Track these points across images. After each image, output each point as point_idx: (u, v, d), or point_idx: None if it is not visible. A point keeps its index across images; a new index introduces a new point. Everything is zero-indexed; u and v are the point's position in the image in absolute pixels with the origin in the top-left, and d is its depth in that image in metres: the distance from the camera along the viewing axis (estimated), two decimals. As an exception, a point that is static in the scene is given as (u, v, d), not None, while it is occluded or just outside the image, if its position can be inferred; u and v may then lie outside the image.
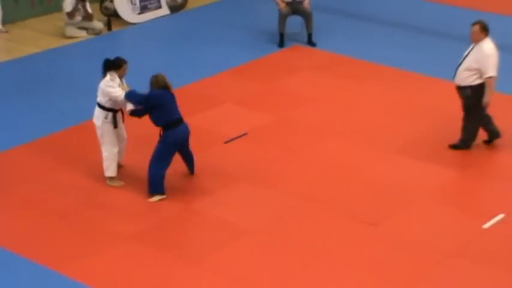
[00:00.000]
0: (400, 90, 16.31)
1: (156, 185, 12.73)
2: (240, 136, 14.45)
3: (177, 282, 11.00)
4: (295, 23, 18.82)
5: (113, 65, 12.88)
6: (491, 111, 14.02)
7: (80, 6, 18.80)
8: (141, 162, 13.07)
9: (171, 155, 12.75)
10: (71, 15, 18.80)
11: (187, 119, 14.25)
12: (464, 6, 20.55)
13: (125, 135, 13.29)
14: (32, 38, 18.91)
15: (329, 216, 12.40)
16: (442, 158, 13.95)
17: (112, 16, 19.84)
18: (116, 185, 13.13)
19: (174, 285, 10.94)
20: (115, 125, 12.93)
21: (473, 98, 13.75)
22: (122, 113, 13.04)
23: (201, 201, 12.77)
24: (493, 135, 14.20)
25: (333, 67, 17.57)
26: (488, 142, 14.27)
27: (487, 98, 13.70)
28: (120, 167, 13.35)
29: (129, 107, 12.70)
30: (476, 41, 13.78)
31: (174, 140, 12.68)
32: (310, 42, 18.68)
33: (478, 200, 12.91)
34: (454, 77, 13.98)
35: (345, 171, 13.57)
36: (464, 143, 14.15)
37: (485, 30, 13.75)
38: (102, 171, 13.30)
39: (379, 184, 13.22)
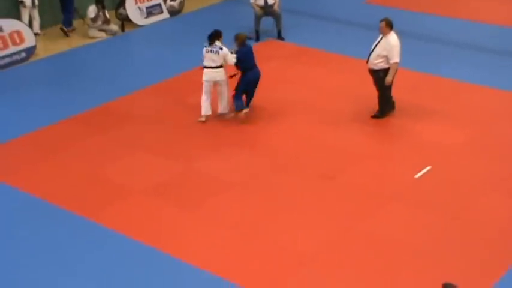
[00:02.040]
0: (348, 73, 16.24)
1: (238, 105, 14.12)
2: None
3: (180, 223, 11.06)
4: (267, 22, 18.73)
5: (219, 35, 14.05)
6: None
7: (100, 13, 18.72)
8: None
9: (245, 88, 14.16)
10: (93, 20, 18.72)
11: (186, 99, 14.39)
12: (398, 7, 20.60)
13: None
14: (63, 39, 18.77)
15: (296, 172, 12.42)
16: (379, 125, 13.97)
17: (125, 20, 19.69)
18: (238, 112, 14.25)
19: (178, 226, 10.99)
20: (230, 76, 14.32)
21: (383, 78, 13.76)
22: None
23: (197, 163, 12.77)
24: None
25: (298, 56, 17.48)
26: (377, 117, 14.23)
27: (390, 77, 13.69)
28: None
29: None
30: (384, 34, 13.68)
31: (248, 78, 14.10)
32: (280, 37, 18.56)
33: (409, 157, 12.87)
34: (367, 62, 13.93)
35: (308, 138, 13.57)
36: (382, 113, 14.11)
37: (390, 25, 13.64)
38: (122, 141, 13.44)
39: (333, 147, 13.22)
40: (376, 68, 13.81)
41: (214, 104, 14.27)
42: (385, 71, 13.72)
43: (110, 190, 11.95)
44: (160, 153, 13.07)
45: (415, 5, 20.90)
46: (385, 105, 14.13)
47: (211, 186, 12.03)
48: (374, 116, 14.16)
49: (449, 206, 11.39)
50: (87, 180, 12.24)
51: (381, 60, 13.69)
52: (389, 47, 13.56)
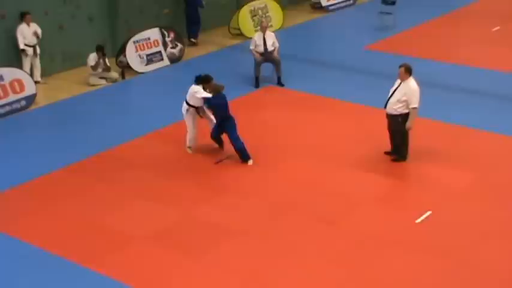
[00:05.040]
0: (348, 118, 16.32)
1: (247, 153, 14.26)
2: (227, 157, 14.49)
3: (181, 271, 10.98)
4: (267, 68, 18.80)
5: (203, 80, 14.33)
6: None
7: (100, 60, 18.80)
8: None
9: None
10: (94, 68, 18.80)
11: (185, 146, 14.30)
12: (398, 53, 20.63)
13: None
14: (64, 87, 18.80)
15: (297, 218, 12.37)
16: (380, 169, 13.95)
17: (125, 67, 19.78)
18: (189, 152, 14.67)
19: (179, 273, 10.91)
20: (199, 115, 14.62)
21: (402, 123, 13.81)
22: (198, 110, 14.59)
23: (199, 209, 12.73)
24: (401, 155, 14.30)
25: (298, 102, 17.53)
26: (393, 157, 14.27)
27: (410, 123, 13.75)
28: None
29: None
30: (403, 79, 13.74)
31: (234, 123, 14.34)
32: (280, 83, 18.62)
33: (410, 201, 12.87)
34: (385, 107, 13.95)
35: (309, 182, 13.54)
36: (404, 156, 14.14)
37: (409, 71, 13.71)
38: (122, 189, 13.40)
39: (334, 191, 13.19)
40: (395, 113, 13.84)
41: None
42: (404, 116, 13.77)
43: (110, 238, 11.86)
44: (161, 200, 13.01)
45: (415, 51, 20.91)
46: (406, 147, 14.13)
47: (211, 233, 11.96)
48: (395, 159, 14.18)
49: (454, 251, 11.31)
50: (88, 229, 12.16)
51: (400, 105, 13.73)
52: (410, 92, 13.62)
